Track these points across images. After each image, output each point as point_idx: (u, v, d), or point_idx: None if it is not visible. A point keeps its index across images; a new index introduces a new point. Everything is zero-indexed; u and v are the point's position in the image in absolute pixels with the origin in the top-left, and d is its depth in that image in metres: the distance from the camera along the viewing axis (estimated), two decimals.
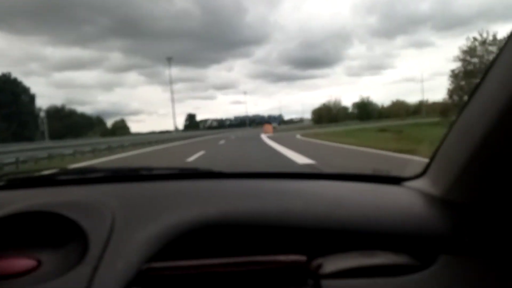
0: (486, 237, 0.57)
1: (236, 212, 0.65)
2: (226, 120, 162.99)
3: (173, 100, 39.92)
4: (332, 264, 0.57)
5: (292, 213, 0.65)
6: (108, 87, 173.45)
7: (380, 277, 0.55)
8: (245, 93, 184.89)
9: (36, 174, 0.98)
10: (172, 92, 41.65)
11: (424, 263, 0.56)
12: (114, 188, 0.81)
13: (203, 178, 0.89)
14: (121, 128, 72.22)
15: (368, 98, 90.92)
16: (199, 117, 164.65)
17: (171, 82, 40.88)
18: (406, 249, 0.58)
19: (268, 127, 37.09)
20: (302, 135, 24.67)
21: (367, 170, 0.98)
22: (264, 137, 24.58)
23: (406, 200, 0.70)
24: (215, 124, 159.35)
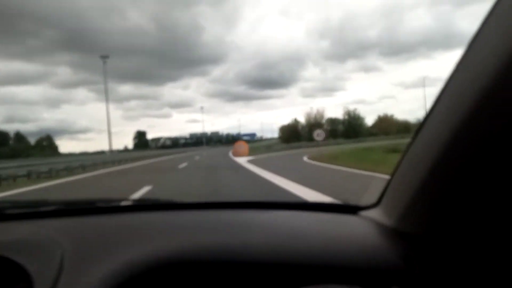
0: (437, 270, 0.56)
1: (196, 247, 0.64)
2: (181, 138, 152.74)
3: (108, 114, 30.67)
4: None
5: (252, 247, 0.64)
6: (54, 103, 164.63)
7: None
8: (202, 108, 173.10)
9: None
10: (107, 100, 31.65)
11: None
12: (66, 223, 0.77)
13: (162, 209, 0.87)
14: (45, 147, 60.35)
15: (355, 111, 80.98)
16: (153, 135, 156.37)
17: (105, 83, 31.80)
18: (360, 282, 0.58)
19: (242, 147, 28.06)
20: (310, 158, 17.68)
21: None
22: (243, 162, 16.73)
23: (361, 231, 0.70)
24: (168, 142, 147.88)
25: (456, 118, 0.45)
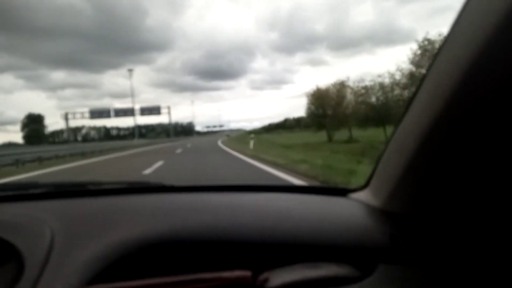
0: (422, 247, 0.59)
1: (184, 228, 0.65)
2: (113, 129, 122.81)
3: None
4: (278, 278, 0.58)
5: (241, 227, 0.66)
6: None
7: None
8: (129, 70, 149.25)
9: None
10: None
11: (364, 273, 0.58)
12: (56, 204, 0.78)
13: (153, 192, 0.89)
14: None
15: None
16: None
17: None
18: (349, 260, 0.60)
19: None
20: None
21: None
22: None
23: (350, 212, 0.73)
24: (93, 134, 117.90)
25: (437, 104, 0.47)
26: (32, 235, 0.58)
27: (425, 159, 0.53)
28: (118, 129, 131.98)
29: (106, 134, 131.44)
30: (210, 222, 0.67)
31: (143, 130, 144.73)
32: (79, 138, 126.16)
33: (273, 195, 0.86)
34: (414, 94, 0.56)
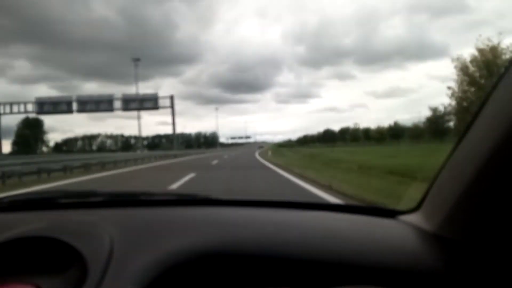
0: (478, 275, 0.56)
1: (233, 242, 0.66)
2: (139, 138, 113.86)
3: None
4: None
5: (287, 244, 0.65)
6: (12, 100, 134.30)
7: None
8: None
9: (38, 196, 1.01)
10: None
11: None
12: (113, 213, 0.82)
13: (201, 205, 0.91)
14: None
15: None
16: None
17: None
18: (399, 285, 0.58)
19: None
20: None
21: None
22: None
23: (400, 235, 0.70)
24: (109, 144, 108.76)
25: (503, 124, 0.46)
26: (94, 241, 0.61)
27: (487, 184, 0.51)
28: (136, 138, 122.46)
29: (125, 143, 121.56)
30: (256, 237, 0.67)
31: (163, 140, 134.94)
32: (94, 147, 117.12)
33: (319, 214, 0.86)
34: (476, 114, 0.55)
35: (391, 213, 0.82)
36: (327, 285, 0.58)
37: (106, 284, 0.51)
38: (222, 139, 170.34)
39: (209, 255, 0.62)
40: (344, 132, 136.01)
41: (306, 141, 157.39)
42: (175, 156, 29.71)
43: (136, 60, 39.56)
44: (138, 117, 40.89)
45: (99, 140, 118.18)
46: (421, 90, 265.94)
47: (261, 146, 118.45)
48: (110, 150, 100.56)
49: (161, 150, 62.65)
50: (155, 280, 0.56)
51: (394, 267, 0.59)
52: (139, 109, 40.56)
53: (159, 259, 0.59)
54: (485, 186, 0.51)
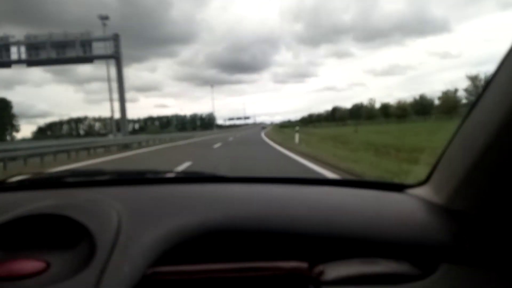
0: (487, 247, 0.57)
1: (240, 217, 0.67)
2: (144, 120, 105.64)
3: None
4: (333, 271, 0.58)
5: (296, 219, 0.66)
6: (6, 85, 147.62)
7: (381, 285, 0.56)
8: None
9: (45, 175, 1.01)
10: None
11: (425, 272, 0.57)
12: (120, 191, 0.83)
13: (208, 182, 0.91)
14: None
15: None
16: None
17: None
18: (408, 257, 0.59)
19: None
20: None
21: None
22: None
23: (408, 208, 0.71)
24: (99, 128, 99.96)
25: None
26: (101, 218, 0.61)
27: (497, 156, 0.51)
28: (130, 120, 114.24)
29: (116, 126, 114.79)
30: (264, 213, 0.68)
31: (156, 122, 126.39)
32: (82, 131, 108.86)
33: (326, 189, 0.86)
34: (487, 84, 0.54)
35: (399, 187, 0.81)
36: (335, 259, 0.60)
37: (114, 259, 0.53)
38: (220, 121, 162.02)
39: (215, 231, 0.63)
40: (357, 109, 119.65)
41: (311, 120, 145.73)
42: (139, 144, 21.48)
43: (104, 18, 29.96)
44: (108, 79, 28.92)
45: (86, 123, 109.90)
46: (420, 67, 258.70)
47: (264, 126, 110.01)
48: (99, 134, 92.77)
49: (147, 134, 53.95)
50: (162, 256, 0.57)
51: (403, 241, 0.60)
52: (58, 61, 27.04)
53: (166, 235, 0.60)
54: (495, 157, 0.51)
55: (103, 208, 0.65)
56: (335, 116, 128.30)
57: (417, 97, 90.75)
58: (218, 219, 0.65)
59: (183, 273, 0.58)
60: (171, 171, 1.00)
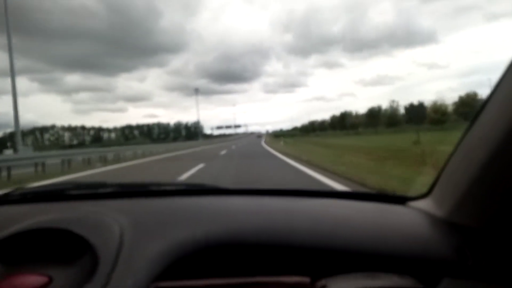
0: (490, 261, 0.57)
1: (243, 231, 0.66)
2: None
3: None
4: (335, 285, 0.58)
5: (298, 233, 0.66)
6: None
7: None
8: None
9: (48, 188, 1.00)
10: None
11: (427, 286, 0.57)
12: (123, 203, 0.82)
13: (210, 194, 0.91)
14: None
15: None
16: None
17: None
18: (410, 271, 0.59)
19: None
20: None
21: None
22: None
23: (411, 221, 0.70)
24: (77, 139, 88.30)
25: None
26: (104, 231, 0.61)
27: (499, 169, 0.51)
28: (110, 130, 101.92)
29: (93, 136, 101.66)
30: (266, 226, 0.67)
31: (135, 132, 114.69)
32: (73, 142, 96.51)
33: (329, 201, 0.85)
34: (488, 98, 0.54)
35: (401, 200, 0.81)
36: (337, 273, 0.59)
37: (117, 273, 0.52)
38: (208, 131, 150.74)
39: (218, 244, 0.62)
40: (374, 114, 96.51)
41: (314, 129, 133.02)
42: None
43: None
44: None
45: (53, 132, 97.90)
46: (409, 78, 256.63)
47: (259, 135, 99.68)
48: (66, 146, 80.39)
49: (96, 147, 38.54)
50: (165, 269, 0.57)
51: (406, 255, 0.60)
52: None
53: (169, 248, 0.60)
54: (497, 171, 0.51)
55: (106, 222, 0.64)
56: (345, 123, 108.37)
57: (464, 96, 70.20)
58: (221, 233, 0.64)
59: None
60: (173, 183, 0.99)
